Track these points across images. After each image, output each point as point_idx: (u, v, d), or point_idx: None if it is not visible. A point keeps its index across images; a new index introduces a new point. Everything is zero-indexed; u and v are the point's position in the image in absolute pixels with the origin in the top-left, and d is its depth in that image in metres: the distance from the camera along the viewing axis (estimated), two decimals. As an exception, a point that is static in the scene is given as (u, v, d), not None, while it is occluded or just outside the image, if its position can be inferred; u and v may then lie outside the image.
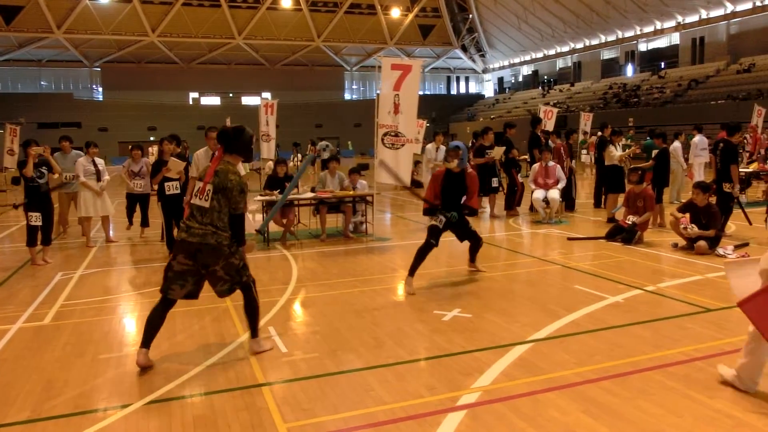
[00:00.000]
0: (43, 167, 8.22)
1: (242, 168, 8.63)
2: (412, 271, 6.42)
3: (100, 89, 55.85)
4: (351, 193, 9.75)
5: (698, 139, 13.95)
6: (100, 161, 9.75)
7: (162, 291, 4.37)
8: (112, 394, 3.94)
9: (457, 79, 66.80)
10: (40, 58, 53.20)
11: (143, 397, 3.85)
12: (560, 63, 55.10)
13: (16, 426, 3.52)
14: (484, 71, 65.58)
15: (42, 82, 54.61)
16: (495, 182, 11.74)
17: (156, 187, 8.90)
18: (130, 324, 5.53)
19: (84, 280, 7.30)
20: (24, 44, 50.29)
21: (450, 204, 6.53)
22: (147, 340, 4.31)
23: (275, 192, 9.52)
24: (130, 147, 10.64)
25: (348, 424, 3.44)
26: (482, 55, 63.09)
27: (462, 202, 6.59)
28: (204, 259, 4.27)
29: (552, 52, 54.65)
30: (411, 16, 56.83)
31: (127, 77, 54.20)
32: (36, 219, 8.01)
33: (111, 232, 10.15)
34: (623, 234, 8.78)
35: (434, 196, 6.64)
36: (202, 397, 3.86)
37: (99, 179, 9.63)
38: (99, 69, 55.18)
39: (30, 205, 8.03)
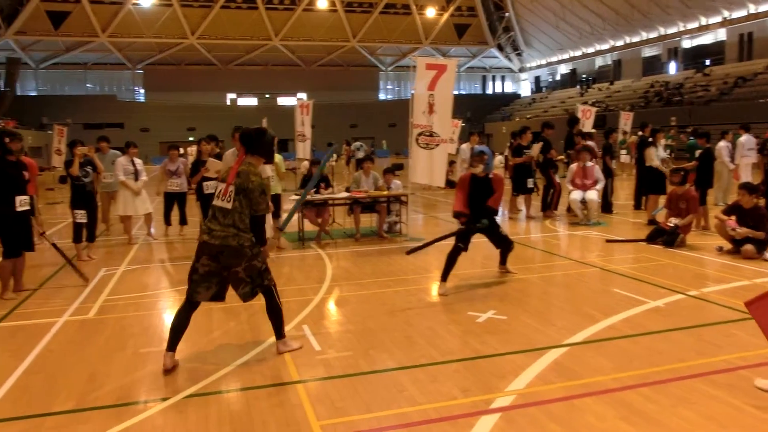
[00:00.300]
0: (88, 166, 8.48)
1: (268, 169, 8.72)
2: (445, 276, 6.38)
3: (142, 91, 57.21)
4: (385, 193, 9.76)
5: (745, 138, 13.54)
6: (138, 161, 10.00)
7: (188, 295, 4.39)
8: (151, 387, 4.04)
9: (493, 78, 66.17)
10: (85, 61, 54.78)
11: (182, 391, 3.93)
12: (599, 61, 54.07)
13: (63, 415, 3.65)
14: (521, 70, 64.84)
15: (87, 85, 56.22)
16: (530, 183, 11.59)
17: (194, 186, 9.10)
18: (169, 319, 5.61)
19: (126, 276, 7.49)
20: (71, 48, 51.85)
21: (478, 209, 6.49)
22: (172, 343, 4.35)
23: (310, 191, 9.59)
24: (168, 147, 10.87)
25: (381, 424, 3.45)
26: (519, 54, 62.39)
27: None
28: (226, 260, 4.29)
29: (591, 50, 53.66)
30: (446, 15, 56.58)
31: (167, 79, 55.35)
32: (81, 216, 8.27)
33: (152, 230, 10.39)
34: (665, 237, 8.57)
35: (462, 201, 6.58)
36: (238, 393, 3.92)
37: (137, 179, 9.88)
38: (141, 71, 56.51)
39: (76, 203, 8.29)
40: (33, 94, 53.78)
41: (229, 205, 4.28)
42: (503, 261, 7.10)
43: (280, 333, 4.63)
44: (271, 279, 4.50)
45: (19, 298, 6.42)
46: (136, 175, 9.87)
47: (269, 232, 4.46)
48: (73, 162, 8.26)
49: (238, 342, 4.90)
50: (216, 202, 4.36)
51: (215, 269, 4.33)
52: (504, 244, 6.87)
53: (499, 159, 15.46)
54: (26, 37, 48.58)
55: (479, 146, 6.85)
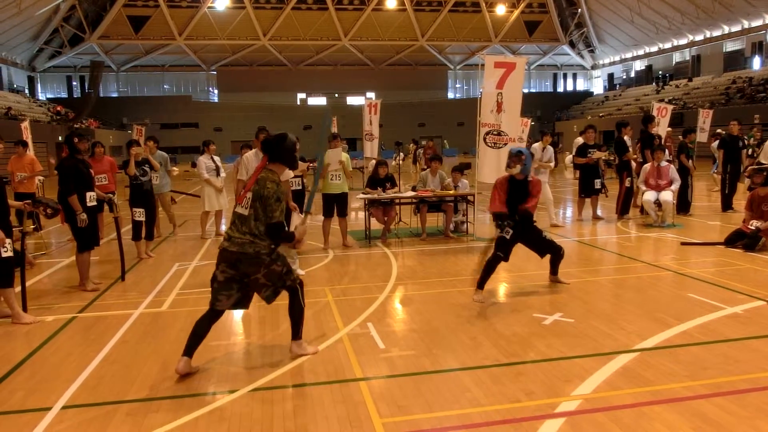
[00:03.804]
0: (146, 165, 8.82)
1: (342, 154, 8.76)
2: (481, 284, 6.08)
3: (216, 91, 59.29)
4: (452, 192, 9.71)
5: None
6: (217, 158, 10.39)
7: (211, 302, 4.39)
8: (220, 379, 4.18)
9: (564, 76, 64.63)
10: (163, 63, 57.36)
11: (248, 384, 4.05)
12: (677, 57, 51.83)
13: (137, 402, 3.83)
14: (593, 67, 62.99)
15: (165, 86, 58.83)
16: (598, 184, 11.22)
17: None
18: (237, 314, 5.80)
19: (198, 270, 7.77)
20: (149, 51, 54.42)
21: (515, 213, 6.13)
22: (189, 349, 4.26)
23: (377, 190, 9.64)
24: (240, 146, 11.20)
25: (442, 424, 3.44)
26: (591, 51, 60.61)
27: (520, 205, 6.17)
28: (244, 268, 4.25)
29: (668, 45, 51.53)
30: (517, 12, 55.64)
31: (240, 80, 57.18)
32: (140, 215, 8.58)
33: (222, 227, 10.73)
34: (745, 240, 8.13)
35: (500, 202, 6.22)
36: (303, 388, 4.00)
37: (218, 175, 10.25)
38: (215, 72, 58.58)
39: (134, 202, 8.65)
40: (114, 95, 56.84)
41: (246, 212, 4.23)
42: (554, 270, 6.62)
43: (297, 334, 4.56)
44: (294, 279, 4.43)
45: (98, 290, 6.77)
46: (218, 171, 10.26)
47: (296, 220, 4.38)
48: (129, 162, 8.64)
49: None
50: (236, 208, 4.34)
51: (234, 276, 4.30)
52: (552, 250, 6.43)
53: (568, 159, 15.06)
54: (109, 41, 51.38)
55: (517, 147, 6.49)
